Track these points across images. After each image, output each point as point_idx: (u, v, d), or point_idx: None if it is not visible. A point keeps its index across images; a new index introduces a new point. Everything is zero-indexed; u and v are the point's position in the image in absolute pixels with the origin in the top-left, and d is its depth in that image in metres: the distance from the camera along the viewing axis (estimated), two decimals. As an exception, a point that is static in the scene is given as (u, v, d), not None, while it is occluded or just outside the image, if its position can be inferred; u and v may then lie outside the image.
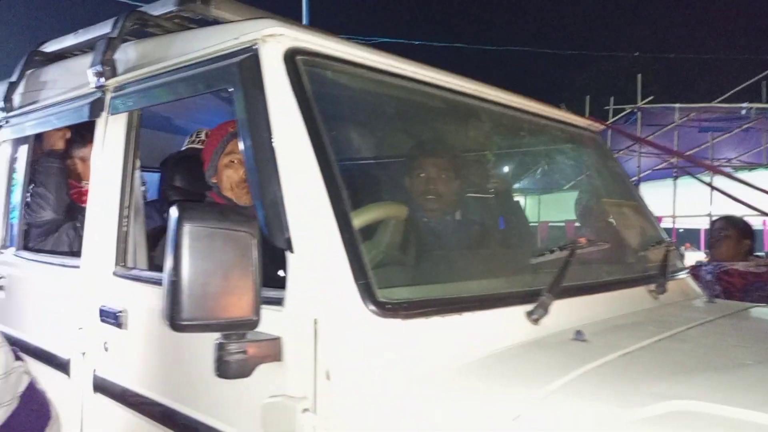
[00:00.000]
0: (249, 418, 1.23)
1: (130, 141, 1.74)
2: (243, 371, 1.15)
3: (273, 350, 1.19)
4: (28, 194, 2.31)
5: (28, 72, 2.35)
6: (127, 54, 1.81)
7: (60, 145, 2.47)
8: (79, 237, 2.11)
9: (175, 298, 1.05)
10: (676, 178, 10.87)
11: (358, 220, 1.30)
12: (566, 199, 2.35)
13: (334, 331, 1.15)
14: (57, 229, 2.31)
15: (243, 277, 1.11)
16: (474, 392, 1.11)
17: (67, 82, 2.12)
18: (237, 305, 1.11)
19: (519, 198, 2.19)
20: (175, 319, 1.06)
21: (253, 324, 1.14)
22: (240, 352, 1.14)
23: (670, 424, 0.98)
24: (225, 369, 1.14)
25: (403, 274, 1.45)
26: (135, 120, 1.76)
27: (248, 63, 1.36)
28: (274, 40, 1.37)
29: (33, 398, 0.98)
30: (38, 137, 2.35)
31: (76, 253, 1.97)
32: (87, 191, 2.42)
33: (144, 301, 1.54)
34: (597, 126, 2.38)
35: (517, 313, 1.39)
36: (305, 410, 1.14)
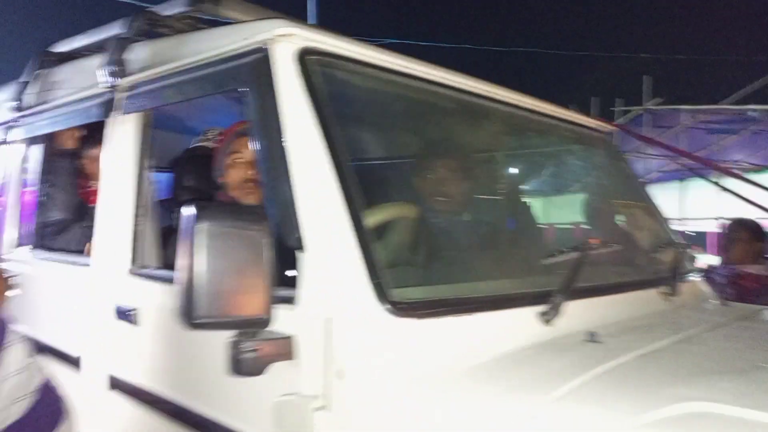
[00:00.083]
0: (261, 416, 1.24)
1: (144, 141, 1.75)
2: (255, 369, 1.16)
3: (285, 349, 1.19)
4: (41, 193, 2.32)
5: (39, 72, 2.36)
6: (138, 54, 1.82)
7: (71, 144, 2.49)
8: (86, 236, 2.12)
9: (189, 296, 1.06)
10: (683, 180, 10.82)
11: (371, 219, 1.30)
12: (577, 201, 2.34)
13: (348, 330, 1.15)
14: (67, 228, 2.32)
15: (255, 275, 1.12)
16: (489, 392, 1.11)
17: (78, 82, 2.13)
18: (249, 304, 1.12)
19: (530, 199, 2.18)
20: (189, 317, 1.07)
21: (264, 322, 1.14)
22: (253, 350, 1.15)
23: (686, 425, 0.97)
24: (238, 367, 1.14)
25: (416, 273, 1.45)
26: (148, 120, 1.76)
27: (260, 63, 1.37)
28: (286, 40, 1.37)
29: (47, 395, 0.98)
30: (50, 137, 2.36)
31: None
32: (95, 191, 2.44)
33: (159, 300, 1.55)
34: (607, 127, 2.38)
35: (529, 313, 1.39)
36: (319, 408, 1.14)
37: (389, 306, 1.18)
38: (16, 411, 0.90)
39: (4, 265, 1.69)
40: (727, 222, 3.41)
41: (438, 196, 1.81)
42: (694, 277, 2.13)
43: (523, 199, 2.15)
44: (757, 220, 3.28)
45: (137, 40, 1.86)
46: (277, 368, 1.18)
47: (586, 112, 2.36)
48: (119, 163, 1.79)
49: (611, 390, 1.11)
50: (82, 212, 2.40)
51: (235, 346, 1.14)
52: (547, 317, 1.38)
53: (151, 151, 1.77)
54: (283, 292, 1.23)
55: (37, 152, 2.37)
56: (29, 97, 2.37)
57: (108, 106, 1.84)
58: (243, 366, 1.14)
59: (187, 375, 1.46)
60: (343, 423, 1.12)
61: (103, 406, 1.71)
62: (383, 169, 1.66)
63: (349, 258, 1.20)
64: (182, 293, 1.07)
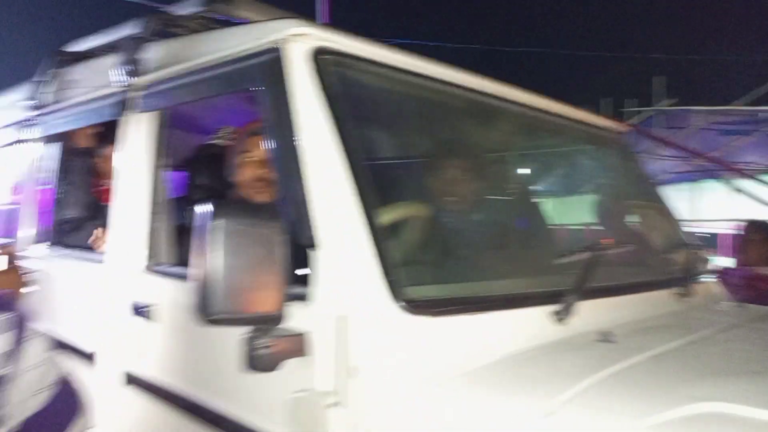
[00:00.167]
0: (275, 411, 1.25)
1: (158, 139, 1.77)
2: (269, 366, 1.17)
3: (299, 346, 1.20)
4: (56, 191, 2.35)
5: (54, 71, 2.39)
6: (152, 54, 1.83)
7: (85, 143, 2.51)
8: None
9: (206, 292, 1.07)
10: (694, 181, 10.74)
11: (384, 218, 1.31)
12: (591, 201, 2.34)
13: (361, 327, 1.16)
14: (81, 226, 2.35)
15: (269, 273, 1.13)
16: (502, 391, 1.11)
17: (93, 81, 2.15)
18: (263, 300, 1.13)
19: (543, 199, 2.18)
20: (205, 313, 1.08)
21: (278, 319, 1.15)
22: (267, 347, 1.16)
23: (698, 426, 0.97)
24: (252, 363, 1.15)
25: (429, 272, 1.46)
26: (162, 119, 1.78)
27: (274, 62, 1.38)
28: (300, 40, 1.38)
29: (64, 389, 1.00)
30: (65, 136, 2.39)
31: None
32: (107, 189, 2.46)
33: (174, 296, 1.56)
34: (621, 127, 2.38)
35: (542, 313, 1.39)
36: (332, 405, 1.15)
37: (403, 304, 1.19)
38: (34, 403, 0.92)
39: (21, 262, 1.71)
40: (743, 224, 3.39)
41: (450, 196, 1.81)
42: (708, 278, 2.12)
43: (536, 199, 2.15)
44: None
45: (151, 40, 1.88)
46: (290, 365, 1.19)
47: (596, 112, 2.34)
48: (134, 161, 1.81)
49: (624, 390, 1.10)
50: (96, 210, 2.42)
51: (250, 342, 1.15)
52: (560, 316, 1.38)
53: (165, 150, 1.79)
54: (297, 290, 1.24)
55: (52, 151, 2.40)
56: (44, 96, 2.40)
57: (122, 106, 1.86)
58: (257, 362, 1.15)
59: (201, 370, 1.48)
60: (356, 419, 1.13)
61: (118, 402, 1.73)
62: (396, 168, 1.67)
63: (362, 256, 1.21)
64: (198, 289, 1.08)
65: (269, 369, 1.17)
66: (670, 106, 11.07)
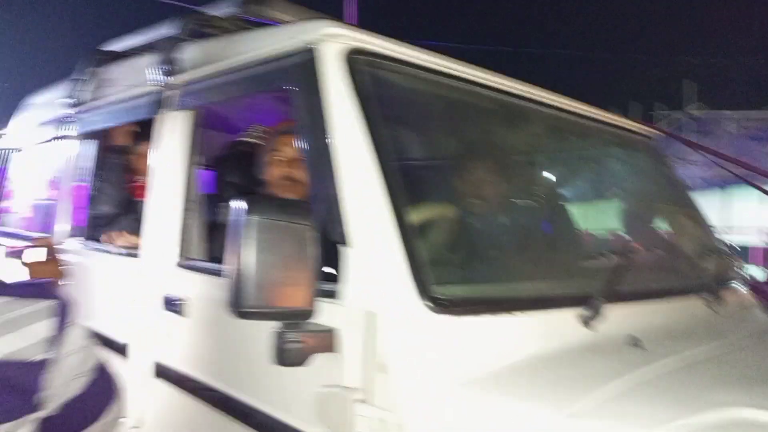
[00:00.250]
0: (303, 406, 1.27)
1: (193, 138, 1.81)
2: (298, 360, 1.19)
3: (327, 342, 1.22)
4: (92, 187, 2.41)
5: (92, 70, 2.45)
6: (188, 54, 1.87)
7: (122, 140, 2.58)
8: (132, 229, 2.19)
9: (239, 286, 1.09)
10: (724, 188, 10.53)
11: (414, 217, 1.32)
12: (621, 206, 2.32)
13: (389, 325, 1.17)
14: (114, 221, 2.41)
15: (301, 268, 1.15)
16: (530, 392, 1.11)
17: (129, 80, 2.21)
18: (294, 295, 1.15)
19: (574, 203, 2.17)
20: (238, 307, 1.10)
21: (307, 314, 1.18)
22: (297, 341, 1.18)
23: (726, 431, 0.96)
24: (282, 357, 1.17)
25: (457, 272, 1.46)
26: (198, 117, 1.82)
27: (308, 62, 1.40)
28: (334, 40, 1.41)
29: (102, 375, 1.03)
30: (101, 133, 2.45)
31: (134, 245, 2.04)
32: (141, 185, 2.52)
33: (205, 291, 1.59)
34: (653, 131, 2.35)
35: (570, 315, 1.39)
36: (361, 401, 1.16)
37: (430, 303, 1.20)
38: (75, 387, 0.95)
39: (59, 254, 1.77)
40: None
41: (479, 197, 1.81)
42: (740, 286, 2.09)
43: (565, 202, 2.14)
44: None
45: (187, 40, 1.92)
46: (319, 360, 1.21)
47: (625, 115, 2.32)
48: (169, 159, 1.85)
49: (653, 394, 1.10)
50: (129, 206, 2.48)
51: (280, 336, 1.17)
52: (588, 320, 1.38)
53: (199, 148, 1.82)
54: (327, 286, 1.26)
55: (89, 147, 2.46)
56: (82, 93, 2.46)
57: (159, 104, 1.90)
58: (287, 356, 1.17)
59: (231, 364, 1.50)
60: (383, 416, 1.14)
61: (149, 394, 1.77)
62: (426, 168, 1.68)
63: (391, 255, 1.23)
64: (231, 283, 1.11)
65: (298, 363, 1.19)
66: (701, 110, 10.88)
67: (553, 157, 2.08)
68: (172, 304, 1.68)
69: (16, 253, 1.73)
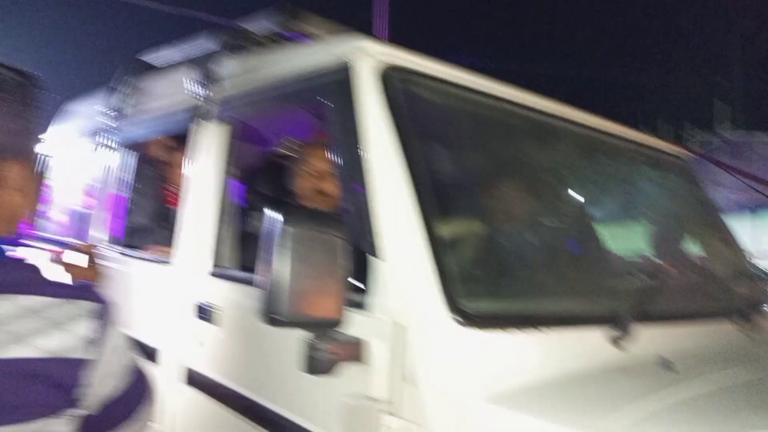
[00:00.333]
0: (330, 415, 1.28)
1: (229, 150, 1.85)
2: (327, 369, 1.20)
3: (356, 352, 1.23)
4: (128, 195, 2.47)
5: (130, 80, 2.51)
6: (226, 67, 1.92)
7: (155, 151, 2.63)
8: (166, 238, 2.24)
9: (272, 294, 1.11)
10: (755, 211, 10.30)
11: (444, 232, 1.34)
12: (653, 228, 2.30)
13: (417, 337, 1.18)
14: (149, 229, 2.47)
15: (332, 279, 1.17)
16: (562, 410, 1.11)
17: (167, 91, 2.27)
18: (325, 305, 1.17)
19: (604, 223, 2.16)
20: (270, 315, 1.12)
21: (338, 323, 1.19)
22: (326, 351, 1.19)
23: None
24: (311, 366, 1.18)
25: (486, 287, 1.47)
26: (233, 130, 1.86)
27: (344, 78, 1.43)
28: (369, 57, 1.44)
29: (138, 377, 1.06)
30: (138, 143, 2.51)
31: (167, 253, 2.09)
32: (174, 195, 2.57)
33: (236, 299, 1.62)
34: (686, 153, 2.34)
35: (598, 334, 1.38)
36: (388, 413, 1.17)
37: (459, 316, 1.20)
38: (112, 386, 0.97)
39: (99, 261, 1.82)
40: None
41: (509, 214, 1.82)
42: (773, 311, 2.04)
43: (596, 222, 2.13)
44: None
45: (225, 54, 1.97)
46: (347, 371, 1.22)
47: (656, 136, 2.31)
48: (204, 170, 1.90)
49: (682, 417, 1.09)
50: (164, 215, 2.54)
51: (310, 345, 1.19)
52: (618, 339, 1.36)
53: (234, 160, 1.86)
54: (357, 297, 1.28)
55: (125, 157, 2.52)
56: (120, 104, 2.53)
57: (196, 117, 1.95)
58: (316, 365, 1.19)
59: (260, 372, 1.52)
60: (410, 428, 1.15)
61: (178, 399, 1.80)
62: (457, 184, 1.70)
63: (421, 268, 1.24)
64: (264, 291, 1.13)
65: (326, 372, 1.20)
66: (733, 132, 10.71)
67: (584, 177, 2.08)
68: (204, 312, 1.72)
69: (59, 258, 1.78)
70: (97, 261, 1.79)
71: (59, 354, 0.85)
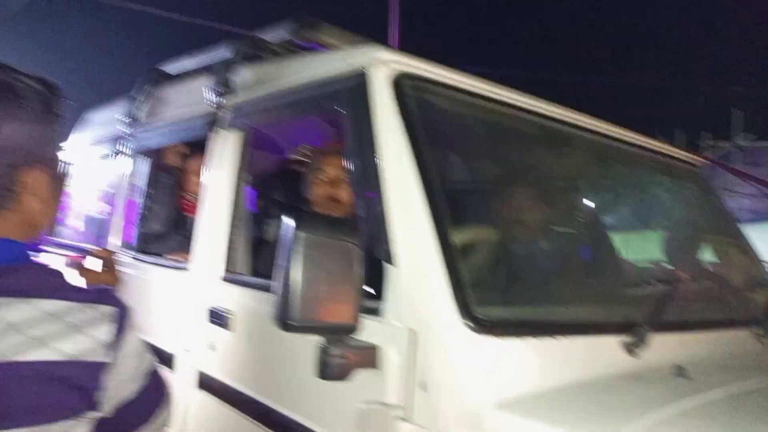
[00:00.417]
0: (343, 421, 1.28)
1: (243, 157, 1.87)
2: (341, 375, 1.20)
3: (370, 358, 1.24)
4: (144, 202, 2.50)
5: (149, 89, 2.55)
6: (242, 76, 1.95)
7: (176, 160, 2.67)
8: (181, 244, 2.26)
9: (286, 300, 1.12)
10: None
11: (457, 239, 1.34)
12: (668, 236, 2.28)
13: (431, 343, 1.19)
14: (165, 235, 2.50)
15: (346, 285, 1.17)
16: (575, 417, 1.10)
17: (184, 100, 2.30)
18: (339, 310, 1.17)
19: (619, 231, 2.15)
20: (284, 320, 1.13)
21: (351, 329, 1.20)
22: (340, 356, 1.20)
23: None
24: (325, 371, 1.19)
25: (498, 294, 1.47)
26: (248, 138, 1.89)
27: (359, 86, 1.45)
28: (384, 65, 1.45)
29: (155, 381, 1.07)
30: (155, 150, 2.54)
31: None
32: (189, 202, 2.60)
33: (249, 305, 1.64)
34: (701, 161, 2.33)
35: (613, 342, 1.37)
36: (401, 418, 1.17)
37: (472, 323, 1.20)
38: (129, 390, 0.99)
39: (116, 266, 1.84)
40: None
41: (522, 222, 1.82)
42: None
43: (611, 230, 2.12)
44: None
45: (241, 63, 1.99)
46: (360, 376, 1.22)
47: (671, 144, 2.30)
48: (219, 177, 1.92)
49: (697, 424, 1.08)
50: (179, 221, 2.57)
51: (325, 351, 1.20)
52: (633, 347, 1.36)
53: (248, 167, 1.89)
54: (370, 303, 1.28)
55: (142, 164, 2.55)
56: (139, 112, 2.57)
57: (212, 124, 1.98)
58: (330, 370, 1.19)
59: (273, 377, 1.53)
60: (423, 434, 1.15)
61: (191, 403, 1.81)
62: (470, 191, 1.71)
63: (434, 274, 1.24)
64: (278, 296, 1.14)
65: (340, 378, 1.21)
66: (751, 140, 10.59)
67: (598, 184, 2.08)
68: (217, 317, 1.73)
69: (76, 264, 1.81)
70: (115, 266, 1.81)
71: (79, 357, 0.86)
